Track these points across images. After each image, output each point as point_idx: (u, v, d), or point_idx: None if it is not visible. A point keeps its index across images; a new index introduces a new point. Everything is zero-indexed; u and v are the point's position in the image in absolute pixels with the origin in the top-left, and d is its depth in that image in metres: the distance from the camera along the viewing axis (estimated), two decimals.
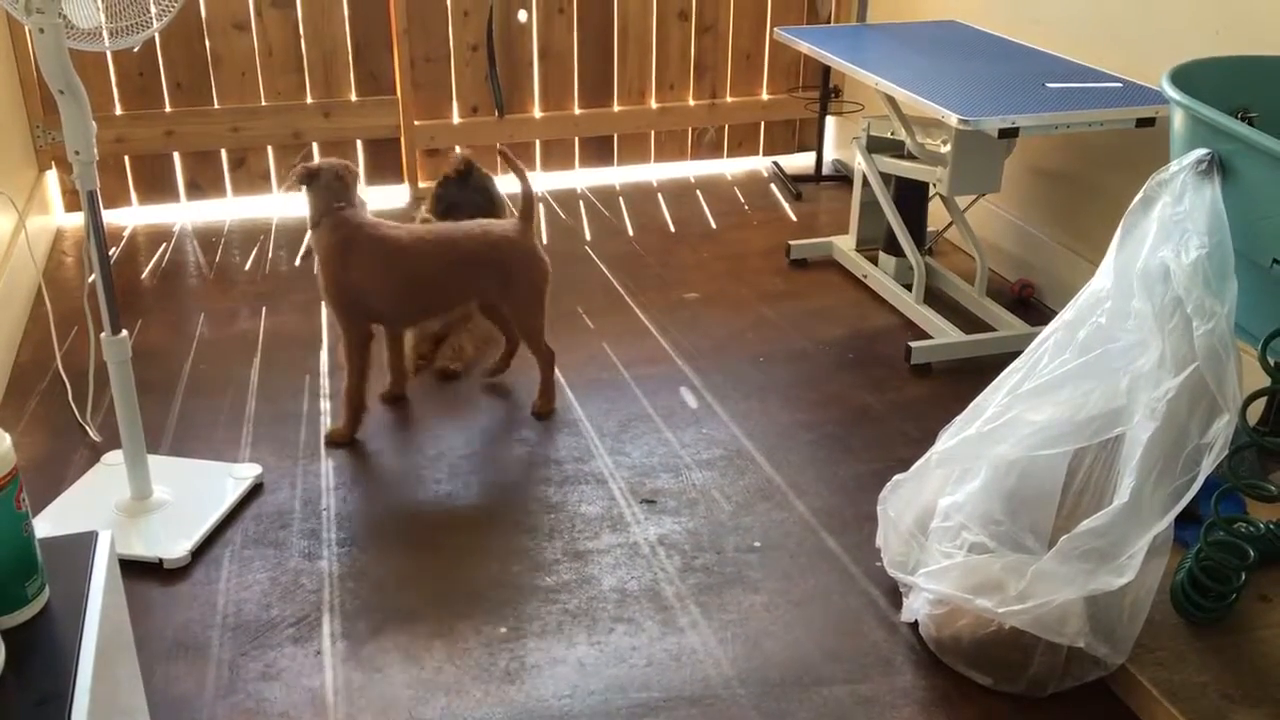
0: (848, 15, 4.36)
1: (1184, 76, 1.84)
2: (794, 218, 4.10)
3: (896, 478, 2.17)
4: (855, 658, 2.00)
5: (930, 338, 3.09)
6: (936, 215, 3.47)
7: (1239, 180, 1.69)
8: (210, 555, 2.25)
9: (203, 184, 4.09)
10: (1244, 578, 1.96)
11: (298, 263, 3.59)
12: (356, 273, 2.54)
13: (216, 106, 3.98)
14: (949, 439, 2.04)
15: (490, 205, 3.00)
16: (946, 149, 3.04)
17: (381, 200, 4.14)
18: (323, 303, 2.85)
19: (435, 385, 2.90)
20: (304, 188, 2.56)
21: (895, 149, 3.32)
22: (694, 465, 2.57)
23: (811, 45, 3.33)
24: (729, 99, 4.53)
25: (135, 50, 3.77)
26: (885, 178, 3.33)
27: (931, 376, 2.97)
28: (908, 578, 2.05)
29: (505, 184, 3.07)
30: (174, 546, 2.21)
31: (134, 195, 4.03)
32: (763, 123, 4.62)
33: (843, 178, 4.42)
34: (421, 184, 4.21)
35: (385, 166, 4.22)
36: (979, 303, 3.24)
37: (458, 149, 2.94)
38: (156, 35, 3.77)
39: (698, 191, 4.34)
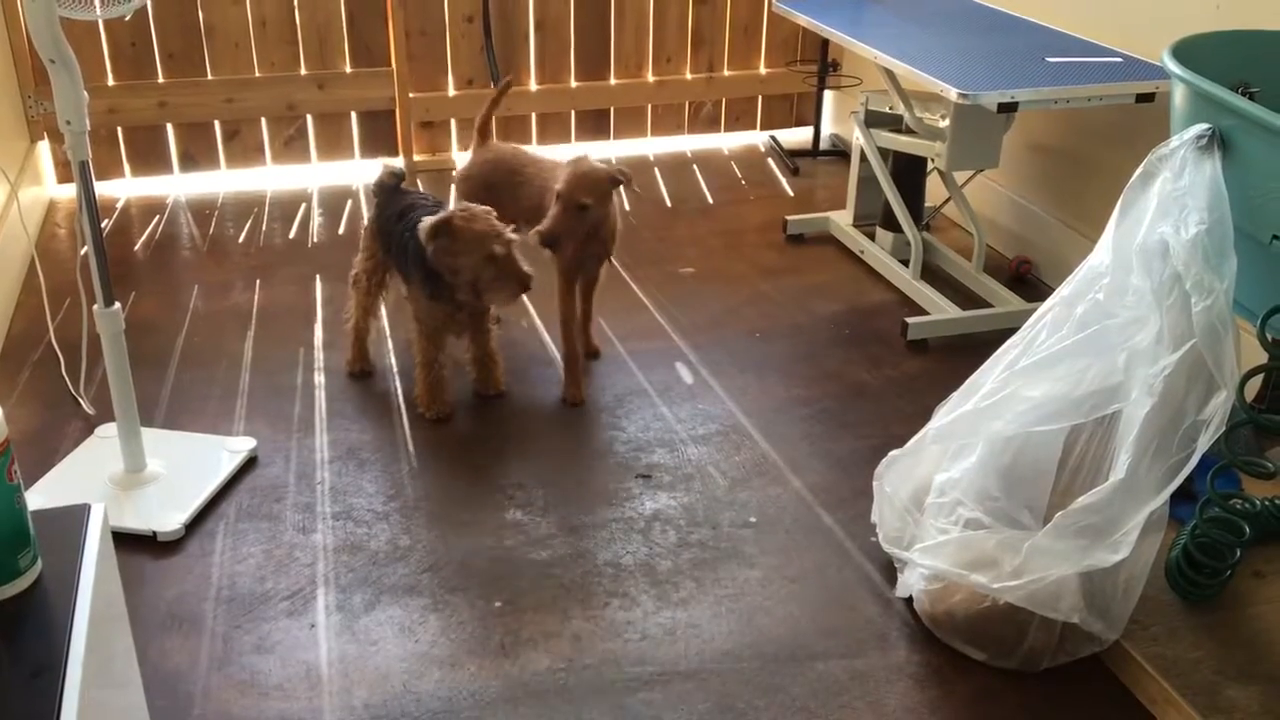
0: None
1: (1185, 51, 1.83)
2: (791, 193, 4.08)
3: (892, 453, 2.17)
4: (850, 633, 2.00)
5: (927, 314, 3.08)
6: (934, 191, 3.45)
7: (1239, 156, 1.67)
8: (204, 528, 2.24)
9: (196, 156, 4.06)
10: (1239, 554, 1.96)
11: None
12: None
13: (210, 78, 3.95)
14: (945, 415, 2.04)
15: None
16: (945, 124, 3.02)
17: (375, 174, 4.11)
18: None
19: None
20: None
21: (894, 124, 3.30)
22: (689, 440, 2.57)
23: (810, 18, 3.30)
24: (726, 73, 4.50)
25: (127, 19, 3.72)
26: (883, 153, 3.32)
27: (928, 352, 2.97)
28: (903, 553, 2.05)
29: None
30: (168, 519, 2.21)
31: (127, 167, 4.01)
32: (760, 97, 4.59)
33: (840, 153, 4.40)
34: (417, 156, 4.20)
35: (380, 139, 4.19)
36: (976, 279, 3.23)
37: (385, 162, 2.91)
38: (149, 4, 3.73)
39: (694, 166, 4.32)
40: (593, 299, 2.87)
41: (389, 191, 2.70)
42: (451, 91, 4.21)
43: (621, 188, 2.62)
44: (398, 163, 3.76)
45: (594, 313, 2.90)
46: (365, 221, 2.86)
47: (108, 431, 2.42)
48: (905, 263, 3.26)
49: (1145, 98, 2.68)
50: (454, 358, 2.74)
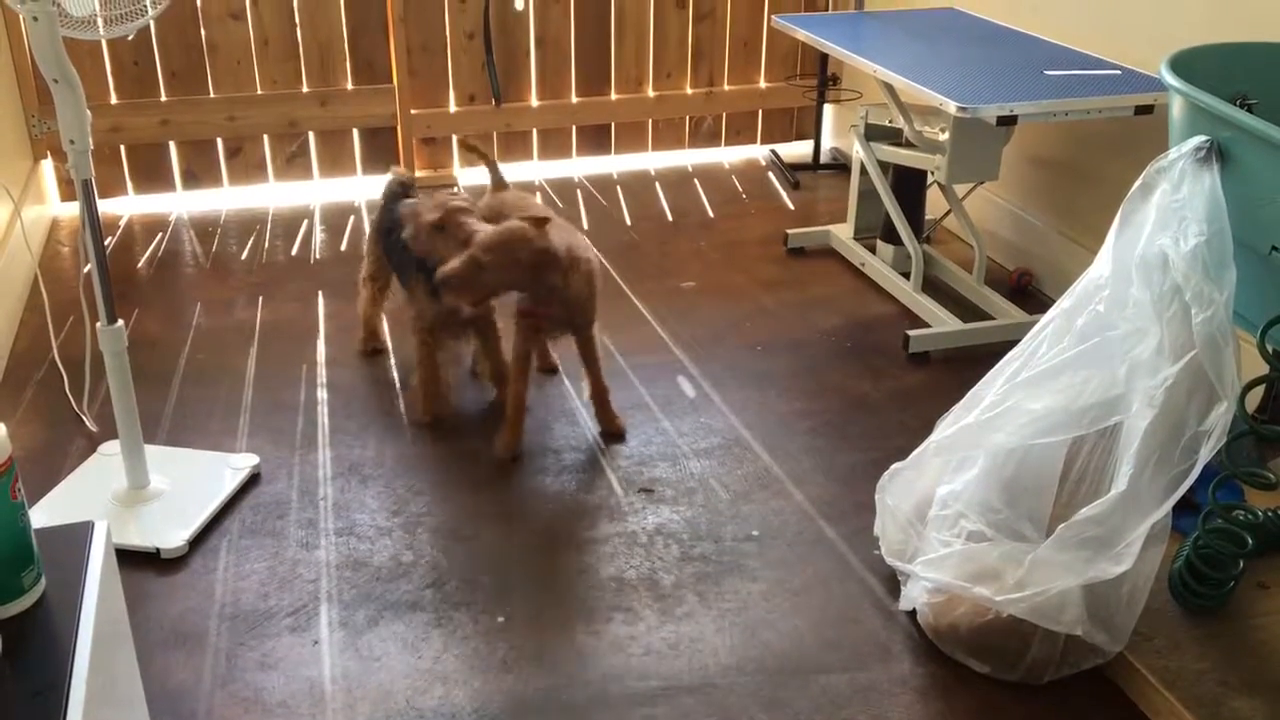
0: (846, 3, 4.35)
1: (1183, 63, 1.83)
2: (792, 206, 4.09)
3: (894, 466, 2.17)
4: (853, 646, 2.00)
5: (928, 326, 3.08)
6: (935, 203, 3.46)
7: (1238, 167, 1.68)
8: (207, 545, 2.24)
9: (199, 173, 4.08)
10: (1241, 565, 1.96)
11: None
12: None
13: (212, 95, 3.97)
14: (947, 427, 2.04)
15: None
16: (945, 137, 3.03)
17: (377, 190, 4.12)
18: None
19: None
20: None
21: (893, 137, 3.31)
22: (692, 454, 2.57)
23: (809, 33, 3.32)
24: (727, 87, 4.52)
25: (130, 38, 3.75)
26: (883, 166, 3.32)
27: (929, 365, 2.97)
28: (906, 566, 2.05)
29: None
30: (171, 536, 2.21)
31: (130, 184, 4.02)
32: (760, 111, 4.60)
33: (841, 166, 4.41)
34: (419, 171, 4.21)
35: (382, 156, 4.21)
36: (977, 291, 3.24)
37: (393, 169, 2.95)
38: (151, 23, 3.74)
39: (695, 180, 4.33)
40: (598, 367, 2.62)
41: (396, 198, 2.78)
42: (453, 108, 4.22)
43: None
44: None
45: (604, 381, 2.64)
46: (369, 228, 2.92)
47: (111, 449, 2.42)
48: (906, 275, 3.26)
49: (1144, 110, 2.69)
50: (456, 368, 2.74)
